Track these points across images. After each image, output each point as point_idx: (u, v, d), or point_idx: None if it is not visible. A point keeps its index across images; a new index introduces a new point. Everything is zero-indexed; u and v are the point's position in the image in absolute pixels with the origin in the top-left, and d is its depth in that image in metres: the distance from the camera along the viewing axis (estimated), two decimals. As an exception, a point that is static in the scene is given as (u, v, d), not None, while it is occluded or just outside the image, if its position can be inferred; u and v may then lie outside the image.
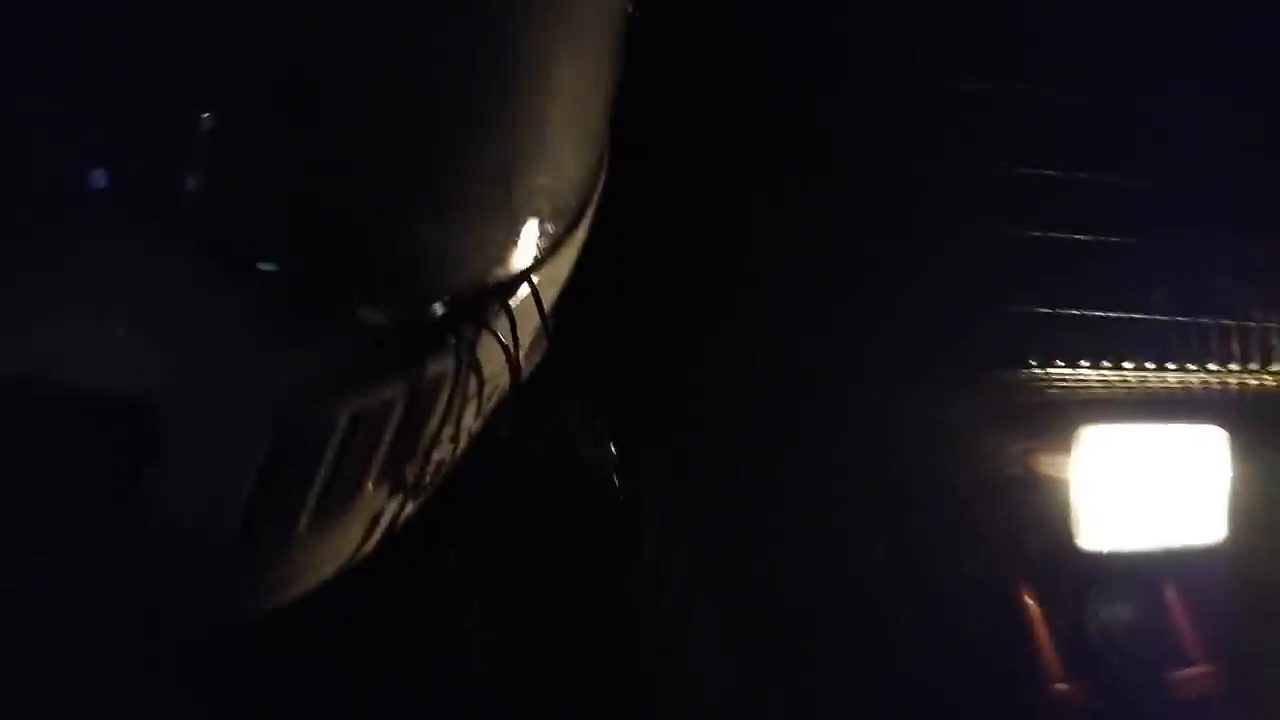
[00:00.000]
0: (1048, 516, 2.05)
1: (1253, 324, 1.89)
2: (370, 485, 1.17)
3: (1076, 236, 1.82)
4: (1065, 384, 1.93)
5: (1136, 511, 2.03)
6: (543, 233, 1.13)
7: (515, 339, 1.14)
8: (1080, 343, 1.83)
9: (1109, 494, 2.02)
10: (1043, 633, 2.09)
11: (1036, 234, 1.80)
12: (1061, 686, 2.04)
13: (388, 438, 1.12)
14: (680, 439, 2.09)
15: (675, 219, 1.92)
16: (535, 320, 1.19)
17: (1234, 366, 1.89)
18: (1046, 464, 2.04)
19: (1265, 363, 1.88)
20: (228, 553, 1.10)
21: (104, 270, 0.91)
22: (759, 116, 1.93)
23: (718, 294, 1.99)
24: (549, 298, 1.20)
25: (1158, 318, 1.84)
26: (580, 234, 1.23)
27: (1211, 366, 1.88)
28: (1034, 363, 1.81)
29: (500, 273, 1.10)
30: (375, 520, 1.27)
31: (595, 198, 1.24)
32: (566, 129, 1.12)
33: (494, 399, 1.29)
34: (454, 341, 1.08)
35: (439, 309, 1.05)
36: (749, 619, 2.08)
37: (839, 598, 2.07)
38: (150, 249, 0.92)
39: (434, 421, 1.16)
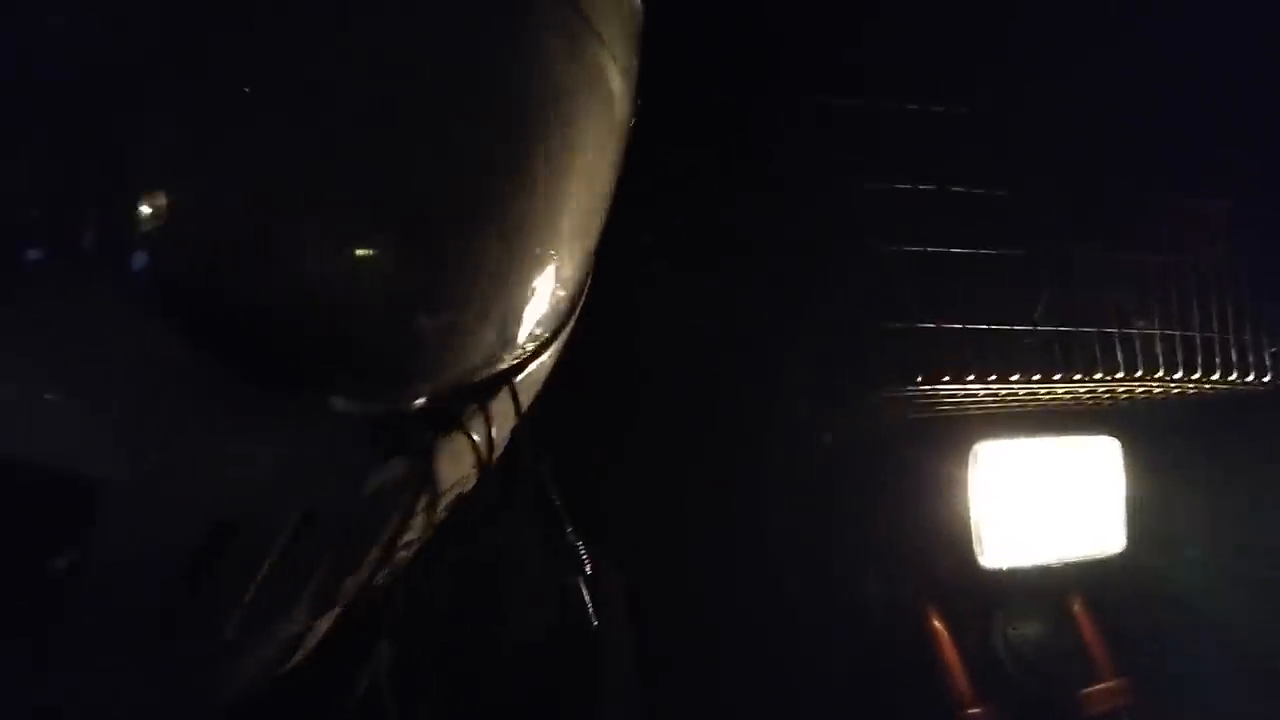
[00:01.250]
0: (950, 534, 2.03)
1: (1135, 332, 1.88)
2: (306, 597, 1.05)
3: (954, 250, 1.80)
4: (955, 399, 1.91)
5: (1036, 525, 2.01)
6: (530, 335, 1.07)
7: (490, 443, 1.06)
8: (967, 358, 1.81)
9: (1007, 509, 2.00)
10: (951, 653, 2.06)
11: (913, 249, 1.78)
12: (973, 710, 2.01)
13: (340, 540, 1.01)
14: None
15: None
16: (510, 424, 1.11)
17: (1120, 375, 1.87)
18: (945, 481, 2.02)
19: (1150, 371, 1.87)
20: (146, 653, 0.98)
21: (51, 338, 0.83)
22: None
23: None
24: (526, 401, 1.13)
25: (1042, 329, 1.83)
26: (564, 336, 1.15)
27: (1099, 376, 1.86)
28: (920, 379, 1.78)
29: (485, 373, 1.03)
30: (306, 634, 1.14)
31: (583, 298, 1.17)
32: (575, 233, 1.07)
33: (451, 503, 1.18)
34: (428, 441, 0.99)
35: (417, 405, 0.97)
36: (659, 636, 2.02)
37: (737, 620, 2.03)
38: (103, 320, 0.83)
39: (392, 525, 1.06)
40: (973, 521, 1.98)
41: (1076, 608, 2.10)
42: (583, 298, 1.19)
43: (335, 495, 0.97)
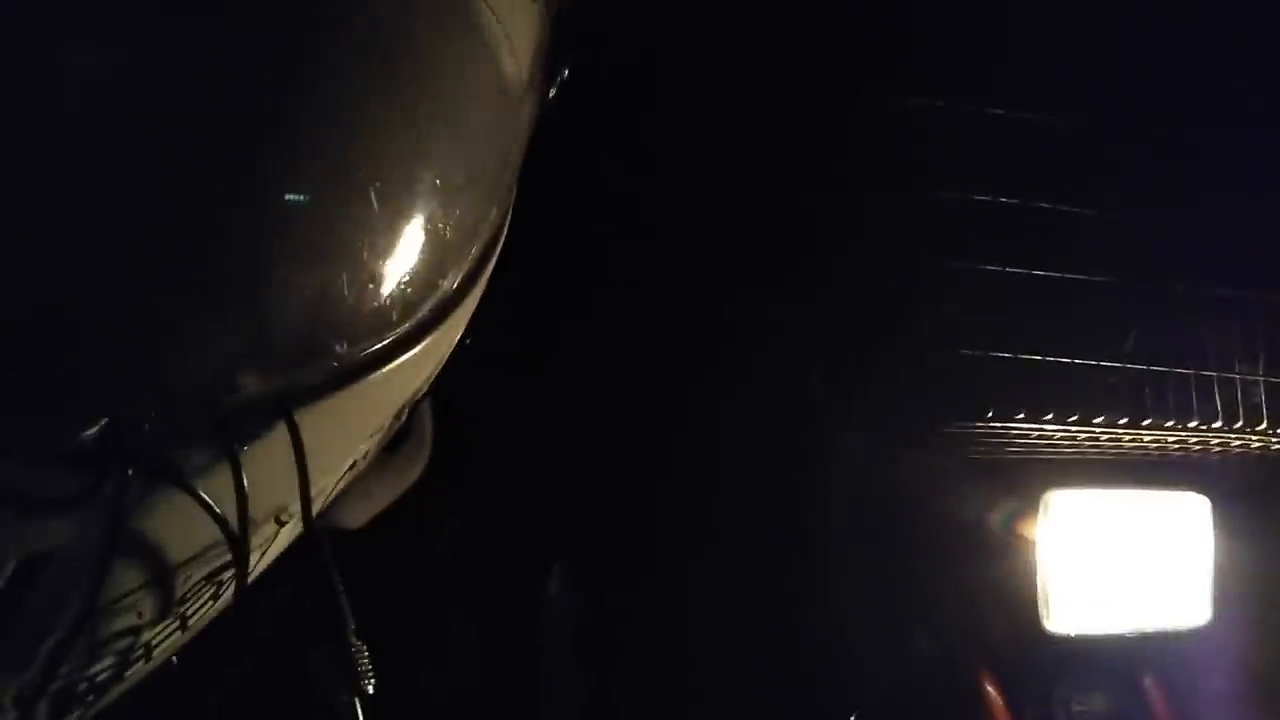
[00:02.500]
0: (1012, 593, 1.82)
1: (1237, 377, 1.67)
2: None
3: (1038, 273, 1.60)
4: (1028, 441, 1.70)
5: (1110, 590, 1.79)
6: (322, 348, 0.75)
7: (242, 494, 0.72)
8: (1045, 394, 1.61)
9: (1079, 569, 1.78)
10: (1006, 725, 1.84)
11: (993, 269, 1.58)
12: (1027, 789, 1.79)
13: None
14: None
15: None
16: (292, 476, 0.77)
17: (1217, 425, 1.66)
18: (1008, 532, 1.81)
19: (1252, 422, 1.65)
20: None
21: None
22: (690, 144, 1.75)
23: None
24: (334, 444, 0.83)
25: (1132, 367, 1.62)
26: (405, 363, 0.84)
27: (1192, 424, 1.65)
28: (992, 416, 1.58)
29: (228, 395, 0.70)
30: None
31: (450, 319, 0.88)
32: (398, 214, 0.78)
33: (216, 590, 0.88)
34: (104, 494, 0.66)
35: (80, 436, 0.65)
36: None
37: (773, 675, 1.83)
38: None
39: (62, 620, 0.74)
40: (1039, 580, 1.76)
41: (1149, 685, 1.87)
42: (459, 306, 0.89)
43: None
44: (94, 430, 0.65)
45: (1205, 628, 1.83)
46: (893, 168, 1.64)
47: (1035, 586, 1.77)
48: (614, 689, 1.89)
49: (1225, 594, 1.83)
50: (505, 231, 0.98)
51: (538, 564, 1.89)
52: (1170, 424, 1.67)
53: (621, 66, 1.62)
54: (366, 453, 1.00)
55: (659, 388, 1.89)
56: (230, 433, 0.71)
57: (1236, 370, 1.70)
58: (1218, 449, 1.79)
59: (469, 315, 0.95)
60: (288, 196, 0.72)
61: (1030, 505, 1.77)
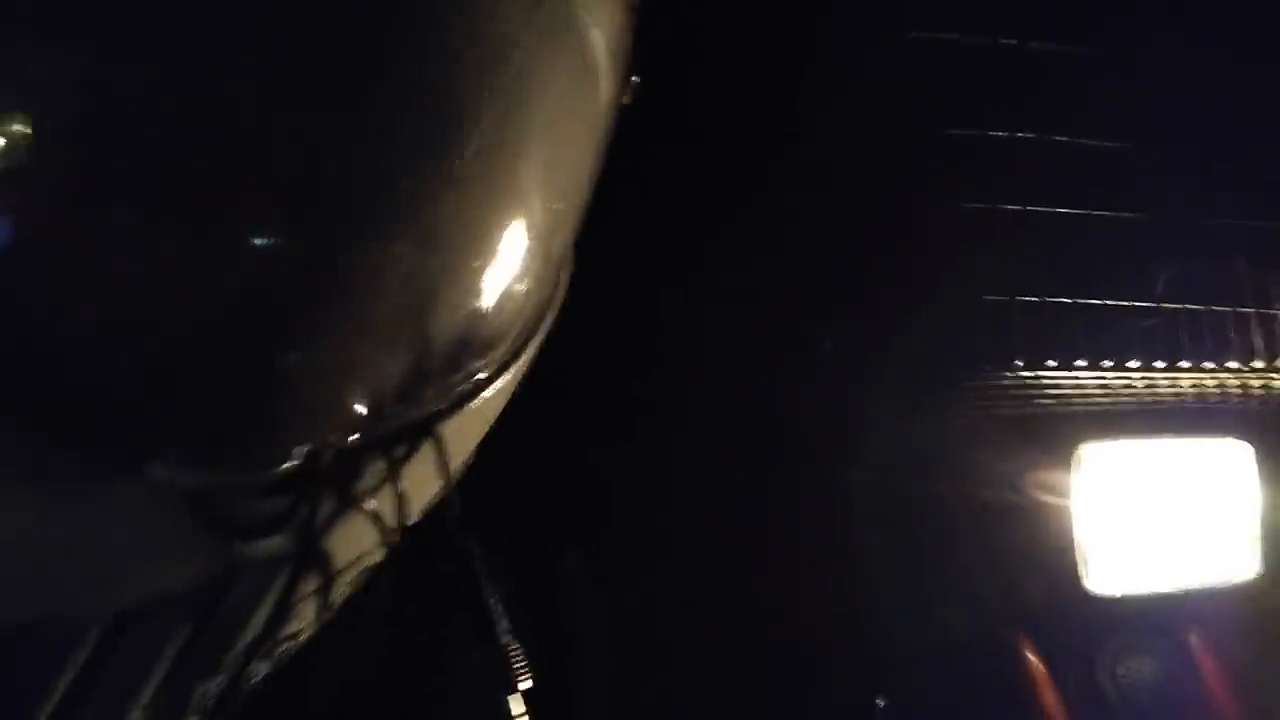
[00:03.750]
0: (1047, 552, 1.73)
1: (1278, 312, 1.57)
2: (138, 713, 0.81)
3: (1065, 211, 1.51)
4: (1059, 391, 1.61)
5: (1152, 546, 1.69)
6: (463, 367, 0.82)
7: (401, 509, 0.82)
8: (1076, 340, 1.51)
9: (1118, 526, 1.69)
10: (1049, 694, 1.74)
11: (1017, 208, 1.49)
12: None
13: (173, 648, 0.78)
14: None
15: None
16: (437, 483, 0.87)
17: (1259, 365, 1.56)
18: (1041, 488, 1.72)
19: (1295, 359, 1.56)
20: None
21: None
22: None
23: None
24: (462, 452, 0.90)
25: (1167, 306, 1.53)
26: (517, 370, 0.92)
27: (1232, 365, 1.55)
28: (1021, 365, 1.48)
29: (390, 422, 0.78)
30: None
31: (544, 327, 0.94)
32: (532, 233, 0.83)
33: (354, 580, 0.95)
34: (301, 515, 0.76)
35: (279, 470, 0.74)
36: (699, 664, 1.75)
37: (798, 648, 1.74)
38: None
39: (256, 622, 0.83)
40: (1077, 538, 1.67)
41: (1197, 644, 1.78)
42: (551, 314, 0.94)
43: (160, 586, 0.71)
44: (296, 459, 0.73)
45: (1253, 581, 1.73)
46: (900, 104, 1.54)
47: (1073, 547, 1.68)
48: (637, 668, 1.81)
49: (1274, 545, 1.73)
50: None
51: (554, 551, 1.81)
52: (1209, 365, 1.57)
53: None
54: (472, 456, 1.02)
55: (668, 355, 1.80)
56: (392, 451, 0.80)
57: (1276, 306, 1.60)
58: (1259, 390, 1.69)
59: (549, 328, 0.98)
60: (448, 229, 0.74)
61: (1063, 460, 1.68)
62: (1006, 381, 1.54)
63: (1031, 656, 1.75)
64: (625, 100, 1.01)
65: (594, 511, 1.84)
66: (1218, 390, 1.66)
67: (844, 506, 1.78)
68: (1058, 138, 1.53)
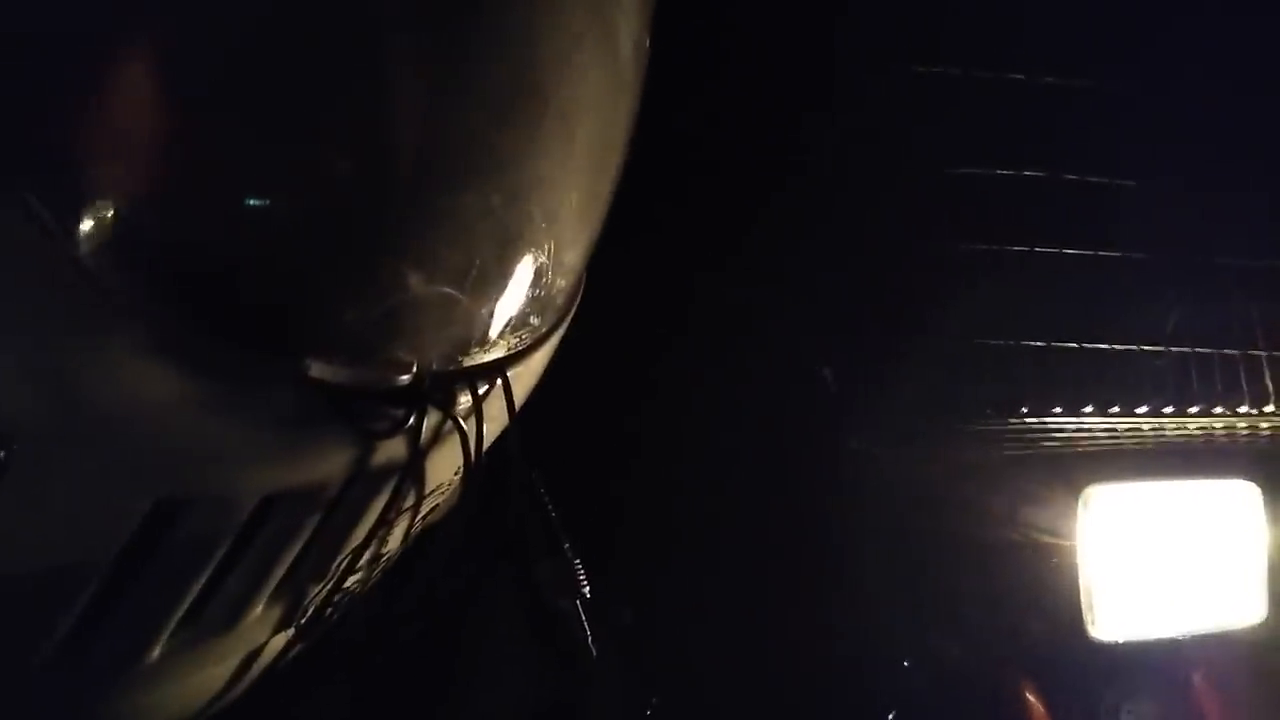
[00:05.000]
0: (1050, 593, 1.70)
1: (1289, 356, 1.54)
2: (259, 607, 0.92)
3: (1068, 251, 1.47)
4: (1064, 434, 1.58)
5: (1158, 590, 1.66)
6: (527, 323, 0.93)
7: (480, 441, 0.92)
8: (1083, 384, 1.48)
9: (1124, 569, 1.66)
10: (1049, 738, 1.72)
11: (1019, 249, 1.45)
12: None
13: (302, 539, 0.89)
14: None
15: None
16: (500, 425, 0.97)
17: (1269, 409, 1.53)
18: (1046, 530, 1.69)
19: (1305, 403, 1.53)
20: (46, 670, 0.82)
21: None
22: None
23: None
24: (518, 401, 0.99)
25: (1175, 350, 1.49)
26: (560, 333, 1.01)
27: (1241, 409, 1.52)
28: (1026, 411, 1.45)
29: (477, 358, 0.90)
30: (252, 659, 1.00)
31: (580, 292, 1.03)
32: (583, 209, 0.95)
33: (429, 517, 1.05)
34: (413, 425, 0.86)
35: (400, 381, 0.84)
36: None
37: (797, 682, 1.71)
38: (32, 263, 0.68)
39: (361, 529, 0.94)
40: (1082, 582, 1.64)
41: (1203, 689, 1.75)
42: (579, 295, 1.02)
43: (303, 475, 0.83)
44: (409, 376, 0.84)
45: (1260, 625, 1.71)
46: (904, 141, 1.51)
47: (1076, 589, 1.65)
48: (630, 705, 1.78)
49: (1278, 588, 1.71)
50: None
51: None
52: (1218, 409, 1.54)
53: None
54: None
55: (663, 386, 1.76)
56: (476, 385, 0.90)
57: (1286, 348, 1.57)
58: (1267, 433, 1.66)
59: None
60: (531, 189, 0.86)
61: (1069, 502, 1.65)
62: (1012, 426, 1.50)
63: (1033, 699, 1.73)
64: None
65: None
66: (1226, 433, 1.64)
67: (845, 542, 1.75)
68: (1066, 176, 1.50)
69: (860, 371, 1.61)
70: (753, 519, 1.76)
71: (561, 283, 0.95)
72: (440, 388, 0.87)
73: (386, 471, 0.89)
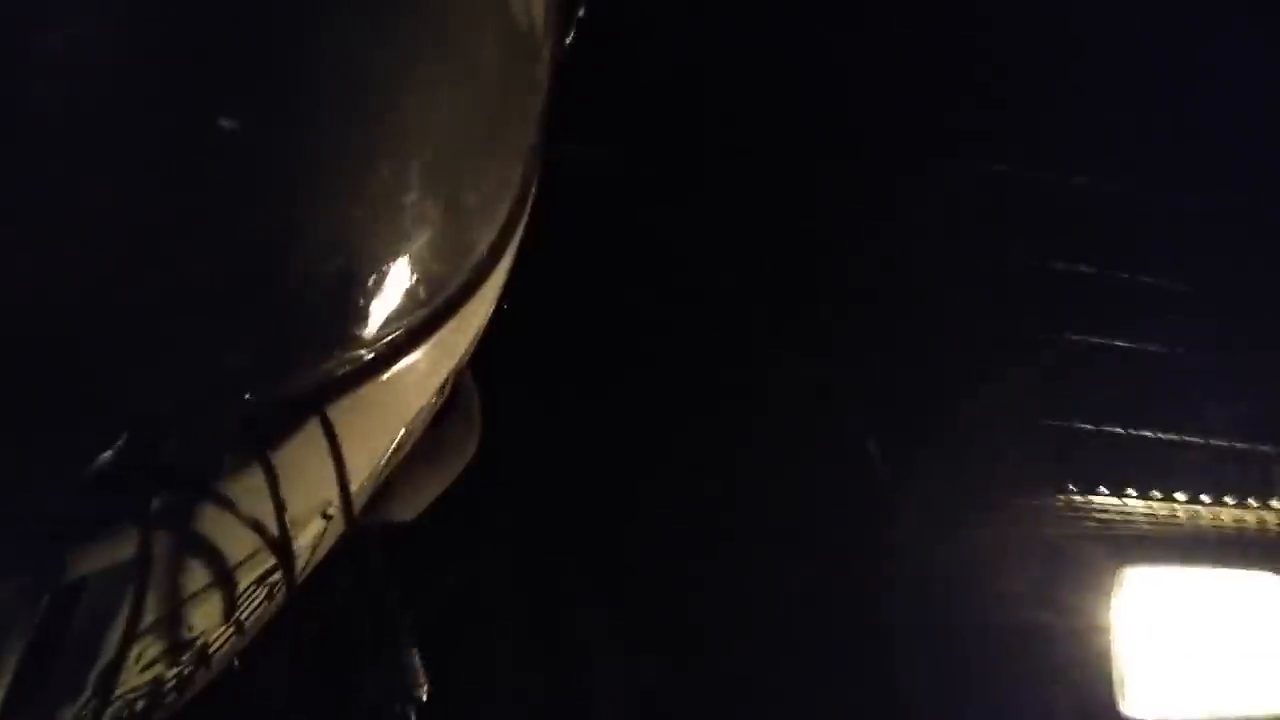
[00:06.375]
0: (1080, 672, 1.75)
1: (1321, 454, 1.62)
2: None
3: (1119, 344, 1.57)
4: (1105, 515, 1.65)
5: (1188, 673, 1.72)
6: (342, 346, 0.69)
7: (278, 503, 0.68)
8: (1124, 467, 1.56)
9: (1156, 650, 1.72)
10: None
11: (1075, 338, 1.55)
12: None
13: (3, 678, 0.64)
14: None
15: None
16: (330, 477, 0.72)
17: (1300, 504, 1.61)
18: (1081, 608, 1.75)
19: (1336, 500, 1.61)
20: None
21: None
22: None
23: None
24: (367, 438, 0.77)
25: (1213, 442, 1.58)
26: (431, 352, 0.78)
27: (1275, 504, 1.60)
28: (1074, 488, 1.53)
29: (253, 395, 0.65)
30: None
31: (470, 311, 0.81)
32: (407, 201, 0.71)
33: (270, 592, 0.82)
34: (137, 511, 0.62)
35: (100, 458, 0.59)
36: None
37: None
38: None
39: (104, 650, 0.68)
40: (1114, 660, 1.69)
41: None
42: (479, 297, 0.82)
43: None
44: (114, 448, 0.59)
45: (1284, 715, 1.76)
46: (971, 233, 1.61)
47: (1107, 669, 1.71)
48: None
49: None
50: (533, 190, 0.89)
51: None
52: (1252, 503, 1.62)
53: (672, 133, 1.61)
54: (411, 434, 0.92)
55: (709, 460, 1.82)
56: (260, 435, 0.66)
57: (1318, 447, 1.65)
58: (1297, 528, 1.74)
59: (504, 279, 0.87)
60: (299, 180, 0.65)
61: (1103, 583, 1.71)
62: (1058, 503, 1.58)
63: (1061, 774, 1.77)
64: (567, 39, 0.95)
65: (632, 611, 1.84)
66: (1257, 525, 1.71)
67: (882, 616, 1.80)
68: (1119, 274, 1.60)
69: (912, 445, 1.69)
70: (785, 594, 1.81)
71: (392, 292, 0.71)
72: (191, 451, 0.63)
73: (123, 566, 0.64)
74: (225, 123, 0.62)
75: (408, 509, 1.14)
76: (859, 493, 1.79)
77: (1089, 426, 1.54)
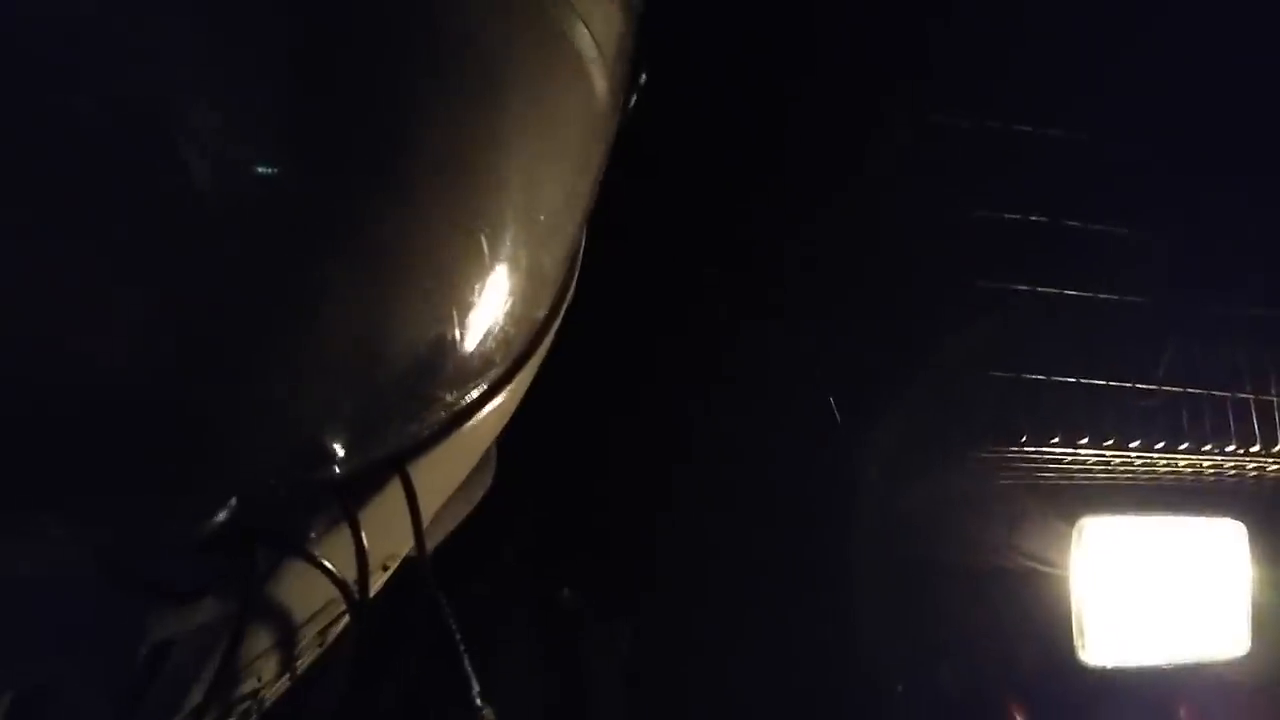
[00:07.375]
0: (1040, 621, 1.76)
1: (1274, 399, 1.62)
2: None
3: (1068, 293, 1.56)
4: (1060, 466, 1.65)
5: (1146, 620, 1.73)
6: (431, 402, 0.73)
7: (364, 562, 0.71)
8: (1079, 418, 1.56)
9: (1114, 598, 1.73)
10: (1037, 761, 1.78)
11: (1022, 289, 1.54)
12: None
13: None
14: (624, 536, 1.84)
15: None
16: (404, 526, 0.77)
17: (1256, 449, 1.61)
18: (1038, 558, 1.76)
19: (1291, 445, 1.61)
20: None
21: None
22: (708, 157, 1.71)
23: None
24: (438, 490, 0.81)
25: (1167, 389, 1.57)
26: (507, 398, 0.82)
27: (1230, 449, 1.60)
28: (1025, 440, 1.53)
29: (346, 460, 0.68)
30: None
31: (540, 350, 0.85)
32: (494, 258, 0.73)
33: (323, 639, 0.87)
34: (232, 572, 0.66)
35: (210, 521, 0.63)
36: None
37: (792, 708, 1.76)
38: None
39: (193, 696, 0.72)
40: (1074, 609, 1.71)
41: (1187, 717, 1.81)
42: (547, 335, 0.85)
43: (73, 663, 0.62)
44: (224, 514, 0.62)
45: (1243, 658, 1.77)
46: (918, 185, 1.60)
47: (1068, 617, 1.72)
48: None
49: (1261, 623, 1.77)
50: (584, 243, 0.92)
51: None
52: (1206, 448, 1.62)
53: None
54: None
55: (671, 416, 1.84)
56: (349, 496, 0.69)
57: (1273, 392, 1.65)
58: (1253, 473, 1.74)
59: (552, 339, 0.89)
60: (395, 249, 0.67)
61: (1062, 532, 1.72)
62: (1011, 455, 1.58)
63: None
64: (630, 103, 0.93)
65: (595, 566, 1.87)
66: (1213, 471, 1.71)
67: (842, 570, 1.81)
68: (1069, 222, 1.59)
69: (869, 400, 1.69)
70: (749, 545, 1.82)
71: (481, 346, 0.74)
72: (285, 512, 0.67)
73: (218, 626, 0.69)
74: (343, 200, 0.63)
75: (432, 539, 1.16)
76: (818, 446, 1.80)
77: (1041, 377, 1.54)
